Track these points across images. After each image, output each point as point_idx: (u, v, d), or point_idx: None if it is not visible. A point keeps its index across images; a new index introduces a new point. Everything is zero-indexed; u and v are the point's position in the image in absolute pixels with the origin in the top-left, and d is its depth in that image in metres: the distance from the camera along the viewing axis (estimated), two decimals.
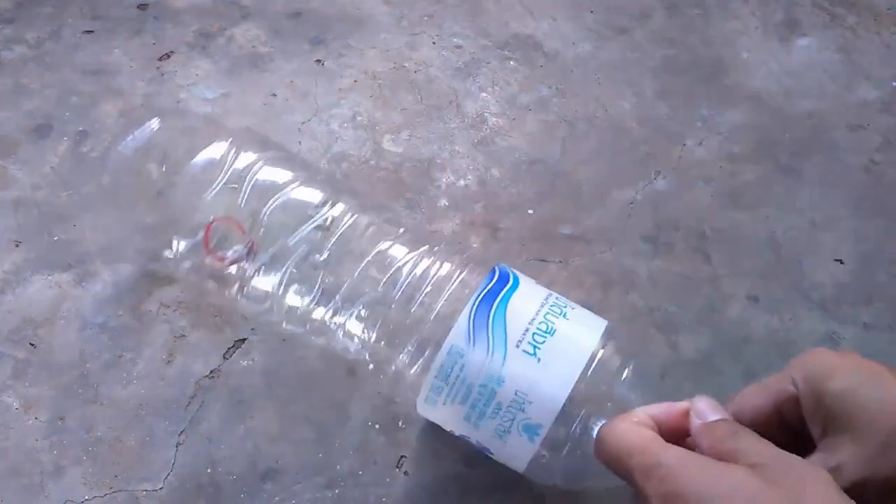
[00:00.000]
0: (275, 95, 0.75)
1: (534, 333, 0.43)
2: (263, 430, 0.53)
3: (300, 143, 0.70)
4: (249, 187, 0.51)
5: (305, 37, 0.82)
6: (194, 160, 0.52)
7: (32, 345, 0.56)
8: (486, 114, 0.76)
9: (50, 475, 0.50)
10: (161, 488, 0.50)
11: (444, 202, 0.68)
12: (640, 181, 0.71)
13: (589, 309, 0.47)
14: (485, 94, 0.78)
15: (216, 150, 0.52)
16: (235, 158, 0.52)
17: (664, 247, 0.66)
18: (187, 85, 0.75)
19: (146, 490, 0.50)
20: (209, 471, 0.51)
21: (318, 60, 0.79)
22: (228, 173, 0.51)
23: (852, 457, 0.31)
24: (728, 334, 0.61)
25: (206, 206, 0.51)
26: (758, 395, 0.37)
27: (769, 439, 0.32)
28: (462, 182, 0.69)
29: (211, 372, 0.55)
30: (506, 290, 0.45)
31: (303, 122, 0.72)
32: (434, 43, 0.83)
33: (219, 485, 0.50)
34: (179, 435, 0.52)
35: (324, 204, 0.51)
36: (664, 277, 0.64)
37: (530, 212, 0.68)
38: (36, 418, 0.53)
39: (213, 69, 0.77)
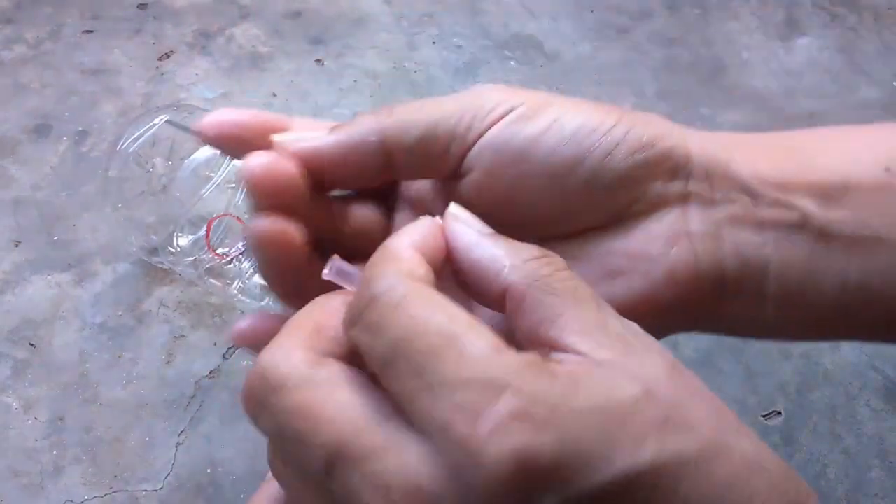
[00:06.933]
0: (275, 95, 0.75)
1: None
2: None
3: None
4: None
5: (305, 37, 0.82)
6: (195, 156, 0.52)
7: (32, 345, 0.56)
8: None
9: (50, 475, 0.50)
10: (161, 488, 0.50)
11: None
12: None
13: None
14: None
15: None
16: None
17: None
18: (187, 84, 0.75)
19: (146, 490, 0.50)
20: (209, 471, 0.51)
21: (318, 60, 0.79)
22: (228, 169, 0.51)
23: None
24: None
25: (206, 201, 0.51)
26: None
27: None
28: None
29: (211, 372, 0.55)
30: None
31: None
32: (434, 43, 0.83)
33: (219, 485, 0.50)
34: (179, 435, 0.52)
35: None
36: None
37: None
38: (36, 418, 0.52)
39: (213, 69, 0.77)
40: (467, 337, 0.20)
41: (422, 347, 0.19)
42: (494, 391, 0.18)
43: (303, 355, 0.21)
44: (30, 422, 0.52)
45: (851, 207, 0.25)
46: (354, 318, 0.21)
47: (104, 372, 0.55)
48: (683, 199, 0.26)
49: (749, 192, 0.26)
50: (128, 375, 0.55)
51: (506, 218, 0.26)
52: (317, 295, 0.24)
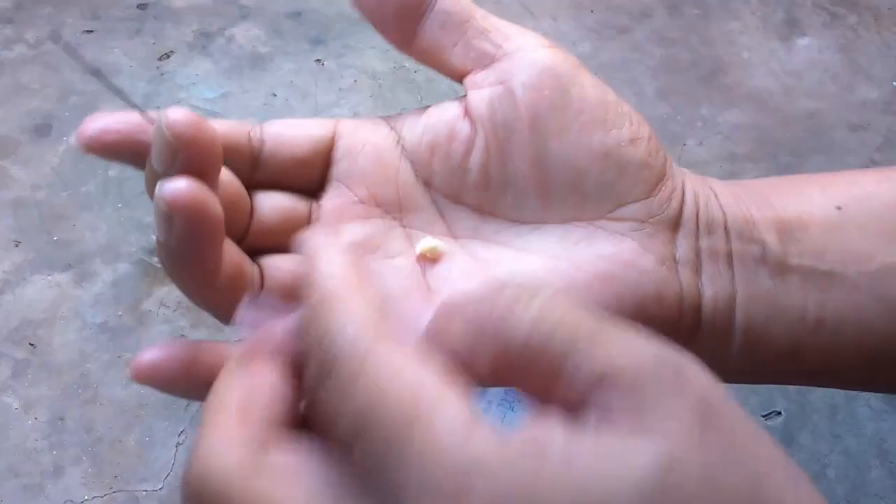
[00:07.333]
0: (275, 95, 0.75)
1: None
2: None
3: None
4: None
5: (305, 37, 0.82)
6: None
7: (32, 345, 0.56)
8: None
9: (50, 475, 0.50)
10: (161, 488, 0.50)
11: None
12: None
13: None
14: None
15: None
16: None
17: None
18: (187, 85, 0.75)
19: (146, 490, 0.50)
20: None
21: (318, 60, 0.79)
22: None
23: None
24: None
25: None
26: None
27: None
28: None
29: None
30: None
31: None
32: None
33: None
34: (179, 435, 0.52)
35: None
36: None
37: None
38: (36, 418, 0.53)
39: (213, 69, 0.77)
40: (437, 411, 0.17)
41: (387, 419, 0.17)
42: (463, 478, 0.16)
43: (239, 450, 0.18)
44: (30, 422, 0.52)
45: (807, 242, 0.26)
46: (316, 380, 0.18)
47: (104, 372, 0.55)
48: (675, 224, 0.26)
49: (724, 226, 0.26)
50: (128, 375, 0.55)
51: (498, 172, 0.25)
52: (227, 289, 0.22)
